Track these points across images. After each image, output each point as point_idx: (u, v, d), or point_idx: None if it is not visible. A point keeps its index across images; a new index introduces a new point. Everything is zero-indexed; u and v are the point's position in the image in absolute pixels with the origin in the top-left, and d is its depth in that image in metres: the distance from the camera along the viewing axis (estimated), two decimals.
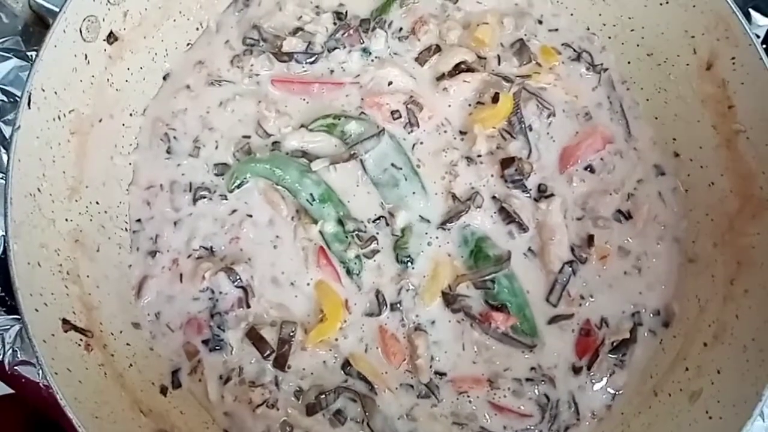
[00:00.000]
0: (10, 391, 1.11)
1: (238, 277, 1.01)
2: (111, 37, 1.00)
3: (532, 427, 0.98)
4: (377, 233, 1.03)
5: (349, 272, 1.02)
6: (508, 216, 1.04)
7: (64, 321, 0.88)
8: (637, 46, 1.11)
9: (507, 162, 1.05)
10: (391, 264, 1.03)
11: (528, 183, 1.06)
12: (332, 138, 1.07)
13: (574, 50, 1.15)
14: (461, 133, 1.09)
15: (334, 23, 1.12)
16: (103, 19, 0.97)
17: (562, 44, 1.15)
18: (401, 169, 1.05)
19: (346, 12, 1.13)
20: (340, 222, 1.02)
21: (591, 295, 1.03)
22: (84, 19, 0.94)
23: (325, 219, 1.02)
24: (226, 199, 1.05)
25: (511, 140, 1.08)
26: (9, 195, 0.83)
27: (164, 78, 1.11)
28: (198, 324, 1.01)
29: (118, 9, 0.99)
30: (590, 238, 1.04)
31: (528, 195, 1.06)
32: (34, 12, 0.99)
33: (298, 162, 1.05)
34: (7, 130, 1.18)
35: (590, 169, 1.09)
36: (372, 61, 1.12)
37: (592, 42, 1.15)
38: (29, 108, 0.87)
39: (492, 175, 1.07)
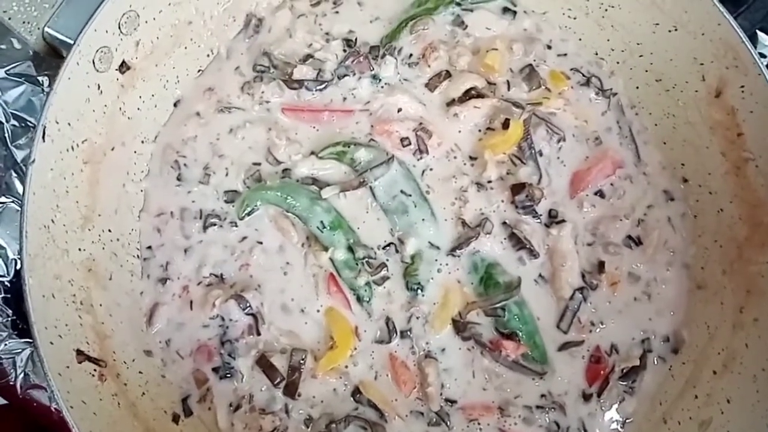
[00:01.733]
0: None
1: (248, 305, 1.01)
2: (123, 67, 1.00)
3: None
4: (387, 260, 1.04)
5: (359, 299, 1.03)
6: (518, 242, 1.04)
7: (78, 352, 0.89)
8: (646, 71, 1.12)
9: (517, 188, 1.05)
10: (401, 291, 1.03)
11: (538, 208, 1.06)
12: (342, 165, 1.07)
13: (583, 75, 1.15)
14: (471, 158, 1.10)
15: (344, 50, 1.13)
16: (116, 49, 0.98)
17: (571, 69, 1.15)
18: (410, 195, 1.05)
19: (356, 39, 1.14)
20: (350, 249, 1.03)
21: (601, 321, 1.04)
22: (97, 51, 0.95)
23: (335, 246, 1.03)
24: (236, 227, 1.06)
25: (521, 166, 1.08)
26: (24, 229, 0.84)
27: (175, 105, 1.12)
28: (208, 351, 1.01)
29: (131, 39, 1.00)
30: (601, 265, 1.05)
31: (539, 221, 1.06)
32: (48, 43, 1.00)
33: (308, 189, 1.06)
34: (18, 155, 1.19)
35: (600, 194, 1.09)
36: (382, 87, 1.12)
37: (600, 67, 1.16)
38: (43, 141, 0.88)
39: (502, 201, 1.07)
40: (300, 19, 1.16)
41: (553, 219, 1.07)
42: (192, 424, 0.99)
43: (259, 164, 1.08)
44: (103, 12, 0.93)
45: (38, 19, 0.99)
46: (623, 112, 1.14)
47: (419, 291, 1.03)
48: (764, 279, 0.95)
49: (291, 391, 0.99)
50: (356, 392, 1.00)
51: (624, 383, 1.01)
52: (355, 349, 1.01)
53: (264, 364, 0.99)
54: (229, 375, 1.00)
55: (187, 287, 1.04)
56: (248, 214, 1.06)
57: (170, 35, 1.06)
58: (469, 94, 1.11)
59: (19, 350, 1.11)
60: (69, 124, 0.93)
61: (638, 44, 1.11)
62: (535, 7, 1.17)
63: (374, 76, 1.12)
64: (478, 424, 0.99)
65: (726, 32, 0.98)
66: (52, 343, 0.85)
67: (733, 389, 0.93)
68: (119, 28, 0.97)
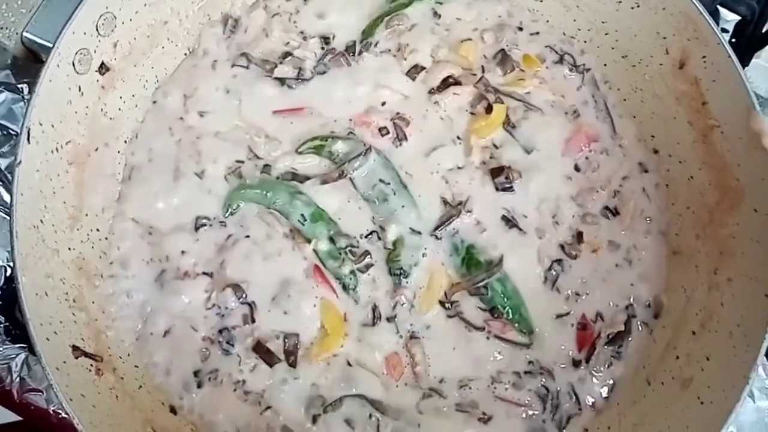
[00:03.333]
0: (18, 418, 1.13)
1: (243, 294, 1.03)
2: (102, 68, 1.02)
3: (535, 416, 1.01)
4: (370, 248, 1.06)
5: (345, 288, 1.05)
6: (506, 220, 1.08)
7: (74, 348, 0.90)
8: (612, 48, 1.16)
9: (497, 171, 1.09)
10: (386, 277, 1.06)
11: (517, 186, 1.09)
12: (321, 159, 1.10)
13: (557, 53, 1.19)
14: (454, 144, 1.13)
15: (322, 48, 1.15)
16: (95, 51, 0.99)
17: (546, 46, 1.19)
18: (389, 184, 1.08)
19: (333, 35, 1.17)
20: (332, 240, 1.05)
21: (586, 290, 1.07)
22: (76, 53, 0.96)
23: (317, 237, 1.05)
24: (225, 226, 1.08)
25: (503, 147, 1.12)
26: (14, 229, 0.85)
27: (154, 103, 1.13)
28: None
29: (108, 40, 1.01)
30: (579, 235, 1.08)
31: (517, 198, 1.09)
32: (26, 48, 1.01)
33: (287, 184, 1.08)
34: (1, 163, 1.20)
35: (577, 167, 1.13)
36: (362, 82, 1.14)
37: (572, 45, 1.20)
38: (29, 143, 0.89)
39: (483, 183, 1.10)
40: (275, 18, 1.18)
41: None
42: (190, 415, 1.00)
43: (242, 162, 1.10)
44: (81, 14, 0.95)
45: (16, 24, 1.00)
46: (597, 87, 1.18)
47: (403, 276, 1.05)
48: (735, 240, 0.99)
49: (293, 363, 1.01)
50: (350, 377, 1.01)
51: (610, 348, 1.04)
52: (346, 335, 1.03)
53: (260, 349, 1.01)
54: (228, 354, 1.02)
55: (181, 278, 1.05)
56: (232, 214, 1.08)
57: (147, 35, 1.08)
58: (447, 82, 1.14)
59: (14, 355, 1.12)
60: (52, 125, 0.95)
61: (603, 22, 1.15)
62: None
63: (354, 72, 1.14)
64: (470, 389, 1.01)
65: (685, 5, 1.02)
66: (48, 339, 0.86)
67: (711, 347, 0.96)
68: (97, 29, 0.99)
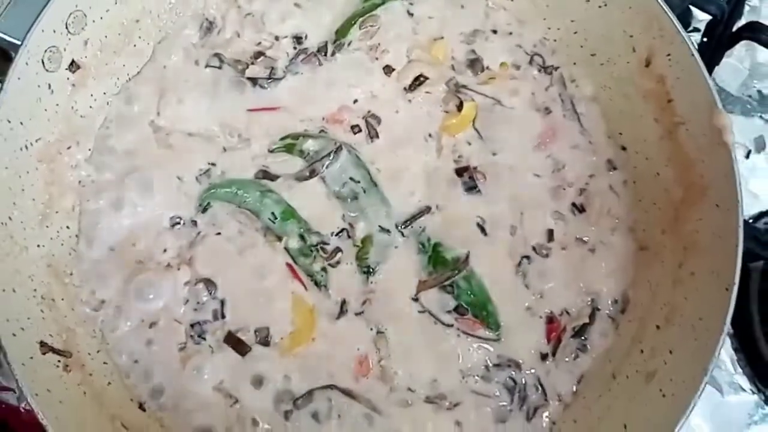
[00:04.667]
0: None
1: (215, 288, 1.04)
2: (73, 66, 1.02)
3: (502, 406, 1.02)
4: (341, 245, 1.07)
5: (317, 284, 1.06)
6: (469, 218, 1.08)
7: (42, 344, 0.91)
8: (581, 47, 1.17)
9: (461, 171, 1.10)
10: (356, 274, 1.06)
11: (483, 187, 1.10)
12: (293, 157, 1.10)
13: (526, 53, 1.20)
14: (426, 141, 1.14)
15: (294, 48, 1.16)
16: (65, 49, 1.00)
17: (516, 45, 1.20)
18: (359, 182, 1.09)
19: (306, 35, 1.17)
20: (302, 237, 1.06)
21: (554, 286, 1.08)
22: (45, 50, 0.96)
23: (288, 235, 1.06)
24: (196, 225, 1.08)
25: (472, 145, 1.13)
26: None
27: (126, 102, 1.13)
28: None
29: (79, 38, 1.02)
30: (550, 233, 1.10)
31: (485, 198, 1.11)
32: None
33: (258, 183, 1.09)
34: None
35: (545, 165, 1.13)
36: (334, 82, 1.15)
37: (544, 45, 1.21)
38: None
39: (454, 182, 1.11)
40: (247, 18, 1.18)
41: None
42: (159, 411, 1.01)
43: (214, 163, 1.10)
44: (50, 12, 0.95)
45: None
46: (565, 86, 1.18)
47: (371, 273, 1.06)
48: (699, 234, 1.01)
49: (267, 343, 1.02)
50: (319, 371, 1.02)
51: (576, 340, 1.06)
52: (316, 331, 1.04)
53: (232, 339, 1.02)
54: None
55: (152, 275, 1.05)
56: (203, 212, 1.08)
57: (118, 33, 1.08)
58: (419, 81, 1.15)
59: None
60: (21, 123, 0.95)
61: (572, 21, 1.16)
62: None
63: (326, 71, 1.15)
64: (438, 382, 1.02)
65: (650, 4, 1.03)
66: (14, 335, 0.86)
67: (675, 341, 0.97)
68: (67, 27, 0.99)
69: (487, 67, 1.18)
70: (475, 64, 1.18)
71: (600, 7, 1.11)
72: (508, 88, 1.17)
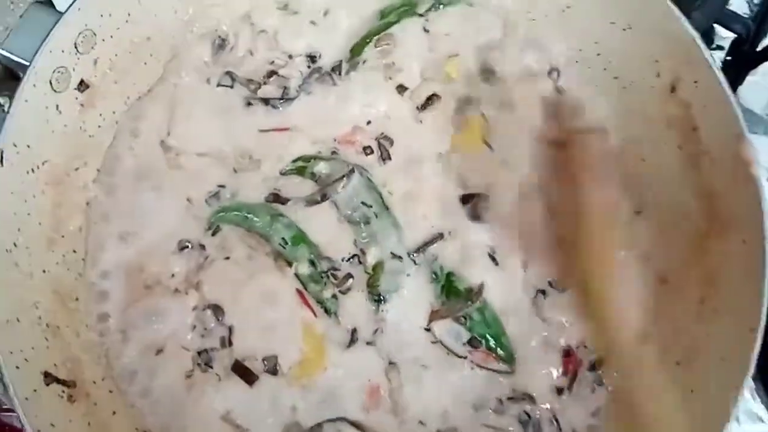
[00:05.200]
0: None
1: (223, 315, 1.02)
2: (82, 86, 1.00)
3: None
4: (352, 271, 1.05)
5: (327, 311, 1.03)
6: (482, 247, 1.05)
7: (46, 374, 0.89)
8: (604, 69, 1.13)
9: (466, 198, 1.08)
10: (367, 302, 1.04)
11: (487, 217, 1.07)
12: (304, 180, 1.08)
13: (545, 71, 1.16)
14: (437, 162, 1.11)
15: (308, 66, 1.13)
16: (74, 69, 0.98)
17: (535, 62, 1.16)
18: (371, 206, 1.06)
19: (320, 54, 1.14)
20: (313, 263, 1.04)
21: (570, 319, 1.05)
22: (54, 71, 0.94)
23: (298, 261, 1.03)
24: (205, 249, 1.06)
25: (485, 163, 1.09)
26: None
27: (135, 122, 1.11)
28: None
29: (88, 57, 0.99)
30: None
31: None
32: (3, 65, 1.00)
33: (269, 206, 1.06)
34: None
35: None
36: (347, 102, 1.12)
37: (559, 62, 1.17)
38: (2, 165, 0.88)
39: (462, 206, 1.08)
40: (260, 36, 1.15)
41: None
42: None
43: (224, 185, 1.08)
44: (59, 32, 0.93)
45: None
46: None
47: (382, 302, 1.04)
48: (722, 270, 0.97)
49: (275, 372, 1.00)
50: (330, 400, 1.00)
51: (592, 374, 1.03)
52: (327, 360, 1.02)
53: (239, 368, 1.00)
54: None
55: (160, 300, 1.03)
56: (212, 235, 1.06)
57: (129, 52, 1.06)
58: (432, 100, 1.12)
59: None
60: (28, 146, 0.93)
61: (595, 43, 1.12)
62: (496, 8, 1.17)
63: (340, 91, 1.12)
64: (451, 414, 1.00)
65: (678, 29, 0.99)
66: (18, 368, 0.85)
67: (695, 379, 0.94)
68: (76, 47, 0.97)
69: (504, 81, 1.14)
70: (490, 77, 1.14)
71: (624, 30, 1.07)
72: (524, 104, 1.13)
